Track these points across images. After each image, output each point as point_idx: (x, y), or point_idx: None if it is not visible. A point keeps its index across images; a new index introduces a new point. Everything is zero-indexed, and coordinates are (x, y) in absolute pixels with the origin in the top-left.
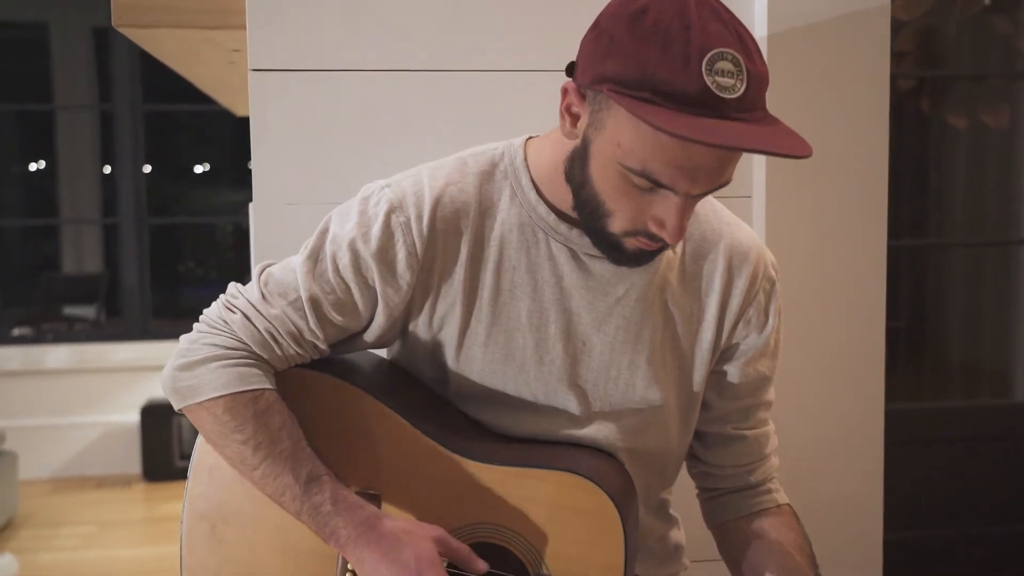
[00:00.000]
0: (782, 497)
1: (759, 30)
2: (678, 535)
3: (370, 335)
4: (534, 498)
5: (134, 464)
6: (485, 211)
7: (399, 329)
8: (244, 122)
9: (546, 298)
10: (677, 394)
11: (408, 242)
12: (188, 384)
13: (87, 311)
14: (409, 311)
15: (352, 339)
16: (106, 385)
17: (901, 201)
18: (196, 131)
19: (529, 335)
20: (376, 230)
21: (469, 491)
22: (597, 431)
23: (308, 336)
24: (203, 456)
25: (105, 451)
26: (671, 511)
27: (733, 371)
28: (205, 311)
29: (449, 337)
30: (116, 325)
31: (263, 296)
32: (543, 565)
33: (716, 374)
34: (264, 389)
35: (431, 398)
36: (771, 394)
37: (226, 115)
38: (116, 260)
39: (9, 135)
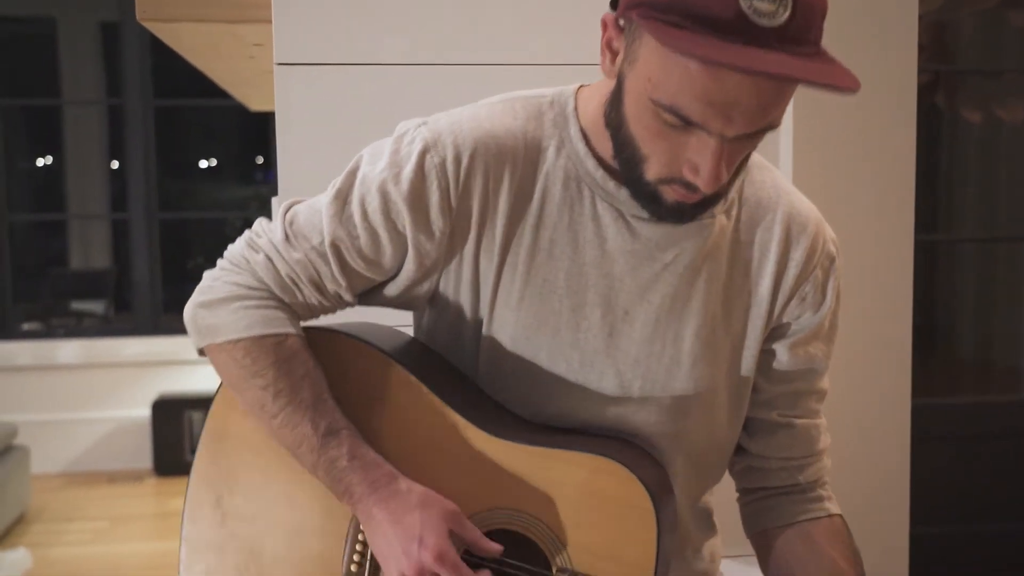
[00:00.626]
0: (834, 507)
1: None
2: (715, 547)
3: (398, 285)
4: (562, 482)
5: (145, 459)
6: (530, 160)
7: (432, 287)
8: (250, 117)
9: (587, 260)
10: (727, 374)
11: (443, 185)
12: (208, 323)
13: (95, 306)
14: (444, 260)
15: (380, 290)
16: (117, 380)
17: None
18: (202, 126)
19: (566, 299)
20: (408, 171)
21: (492, 472)
22: (636, 411)
23: (331, 285)
24: (216, 423)
25: (116, 446)
26: (714, 520)
27: (783, 352)
28: (229, 247)
29: (483, 296)
30: (125, 320)
31: (287, 237)
32: (567, 557)
33: (765, 353)
34: (288, 334)
35: (460, 375)
36: (824, 383)
37: (232, 110)
38: (124, 255)
39: (17, 130)
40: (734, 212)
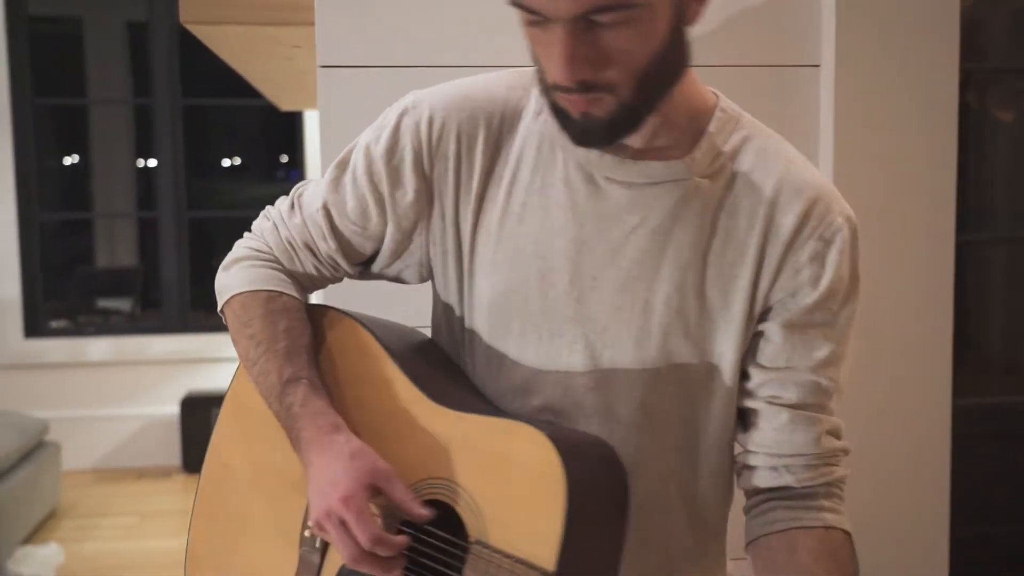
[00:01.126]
0: (836, 519)
1: (828, 26)
2: None
3: (386, 251)
4: (487, 451)
5: (174, 456)
6: (508, 123)
7: (422, 256)
8: (274, 116)
9: (556, 224)
10: (704, 347)
11: (415, 145)
12: (222, 283)
13: (121, 304)
14: (424, 222)
15: (375, 260)
16: (146, 377)
17: None
18: (225, 125)
19: (534, 264)
20: (386, 132)
21: (431, 442)
22: (607, 383)
23: (323, 246)
24: (234, 391)
25: (145, 443)
26: (726, 571)
27: (775, 331)
28: (254, 222)
29: (464, 264)
30: (152, 318)
31: (292, 206)
32: (484, 529)
33: (757, 336)
34: (282, 292)
35: (439, 355)
36: (830, 374)
37: (255, 109)
38: (151, 253)
39: (43, 129)
40: (723, 177)
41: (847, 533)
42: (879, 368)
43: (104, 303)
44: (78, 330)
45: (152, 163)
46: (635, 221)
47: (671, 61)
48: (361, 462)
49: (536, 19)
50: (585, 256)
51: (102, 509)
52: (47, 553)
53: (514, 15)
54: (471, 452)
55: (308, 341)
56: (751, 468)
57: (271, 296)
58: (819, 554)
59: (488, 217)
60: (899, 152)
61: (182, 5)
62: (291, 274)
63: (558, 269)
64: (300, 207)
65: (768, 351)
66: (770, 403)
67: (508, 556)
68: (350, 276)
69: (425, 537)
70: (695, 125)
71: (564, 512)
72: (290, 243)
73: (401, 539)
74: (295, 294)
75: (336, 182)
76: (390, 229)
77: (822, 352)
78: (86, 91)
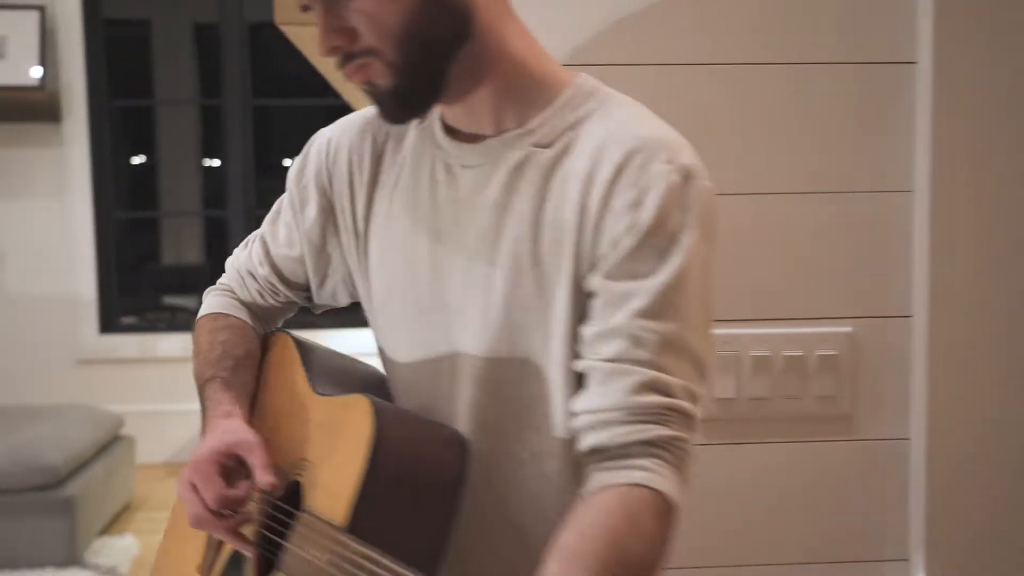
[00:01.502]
0: (647, 477)
1: (924, 20)
2: None
3: (311, 274)
4: (328, 424)
5: None
6: (396, 135)
7: (345, 273)
8: (332, 116)
9: (420, 217)
10: (548, 319)
11: (317, 165)
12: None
13: (187, 301)
14: (331, 236)
15: (311, 286)
16: None
17: None
18: (284, 125)
19: (402, 259)
20: (299, 161)
21: (303, 426)
22: (463, 367)
23: (261, 273)
24: None
25: None
26: None
27: (598, 286)
28: None
29: (364, 270)
30: None
31: (245, 243)
32: (314, 498)
33: (588, 296)
34: (229, 315)
35: (367, 372)
36: (650, 327)
37: (312, 110)
38: (217, 252)
39: (112, 129)
40: (562, 144)
41: (658, 492)
42: (983, 372)
43: (170, 300)
44: (150, 326)
45: (216, 163)
46: (478, 200)
47: (436, 20)
48: (225, 435)
49: (314, 11)
50: (441, 244)
51: (174, 502)
52: (123, 545)
53: (591, 16)
54: (318, 429)
55: (241, 352)
56: (576, 432)
57: (217, 316)
58: (608, 509)
59: (376, 223)
60: (1000, 151)
61: (277, 7)
62: (242, 301)
63: (421, 260)
64: (249, 242)
65: (595, 308)
66: (592, 361)
67: (316, 517)
68: (301, 304)
69: (271, 511)
70: (544, 102)
71: (362, 470)
72: (239, 273)
73: (244, 496)
74: (242, 316)
75: (275, 215)
76: (304, 246)
77: (640, 302)
78: (153, 92)
